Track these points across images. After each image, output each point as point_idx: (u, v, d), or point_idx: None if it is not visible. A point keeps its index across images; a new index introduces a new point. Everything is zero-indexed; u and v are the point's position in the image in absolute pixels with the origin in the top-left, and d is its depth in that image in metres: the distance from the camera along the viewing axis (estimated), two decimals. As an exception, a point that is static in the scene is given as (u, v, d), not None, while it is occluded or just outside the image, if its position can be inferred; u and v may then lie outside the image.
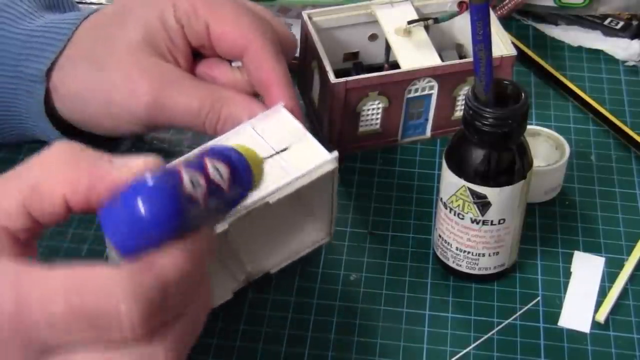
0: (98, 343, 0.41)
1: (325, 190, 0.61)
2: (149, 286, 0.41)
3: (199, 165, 0.43)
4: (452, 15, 0.73)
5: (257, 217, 0.63)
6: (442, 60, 0.72)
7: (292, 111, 0.61)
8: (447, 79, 0.72)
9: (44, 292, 0.40)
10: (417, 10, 0.74)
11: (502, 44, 0.73)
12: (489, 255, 0.63)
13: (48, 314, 0.40)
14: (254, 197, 0.56)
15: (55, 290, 0.40)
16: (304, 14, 0.73)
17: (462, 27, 0.76)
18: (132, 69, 0.63)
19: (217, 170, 0.44)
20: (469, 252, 0.63)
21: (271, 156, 0.58)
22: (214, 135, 0.62)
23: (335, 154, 0.59)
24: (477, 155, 0.59)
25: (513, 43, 0.73)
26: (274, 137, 0.59)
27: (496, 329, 0.61)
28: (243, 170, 0.45)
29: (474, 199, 0.60)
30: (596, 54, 0.85)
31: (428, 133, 0.75)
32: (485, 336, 0.61)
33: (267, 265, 0.62)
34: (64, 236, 0.66)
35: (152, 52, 0.64)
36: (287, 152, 0.59)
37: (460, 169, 0.60)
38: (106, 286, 0.40)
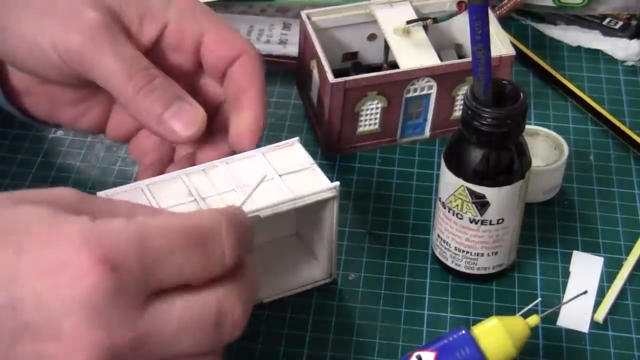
0: (201, 276, 0.46)
1: (325, 229, 0.61)
2: (241, 226, 0.48)
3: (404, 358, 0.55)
4: (451, 15, 0.73)
5: (256, 250, 0.64)
6: (441, 60, 0.72)
7: (256, 124, 0.61)
8: (446, 78, 0.72)
9: (164, 228, 0.45)
10: (416, 10, 0.74)
11: (501, 44, 0.73)
12: (488, 255, 0.63)
13: (169, 246, 0.45)
14: (246, 209, 0.57)
15: (172, 226, 0.46)
16: (303, 13, 0.73)
17: (461, 27, 0.76)
18: (81, 7, 0.59)
19: (419, 357, 0.54)
20: (467, 252, 0.63)
21: (272, 178, 0.59)
22: (134, 104, 0.59)
23: (337, 183, 0.59)
24: (476, 155, 0.59)
25: (512, 43, 0.73)
26: (280, 164, 0.60)
27: (495, 329, 0.61)
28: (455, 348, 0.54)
29: (472, 198, 0.60)
30: (595, 54, 0.85)
31: (427, 133, 0.75)
32: (484, 336, 0.61)
33: (260, 296, 0.62)
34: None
35: (109, 20, 0.60)
36: (290, 177, 0.59)
37: (458, 169, 0.60)
38: (213, 222, 0.47)
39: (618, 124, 0.76)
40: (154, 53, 0.62)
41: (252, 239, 0.50)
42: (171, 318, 0.45)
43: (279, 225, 0.64)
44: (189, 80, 0.63)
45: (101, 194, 0.58)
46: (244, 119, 0.61)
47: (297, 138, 0.62)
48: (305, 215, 0.63)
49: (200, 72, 0.65)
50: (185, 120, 0.59)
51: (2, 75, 0.65)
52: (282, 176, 0.59)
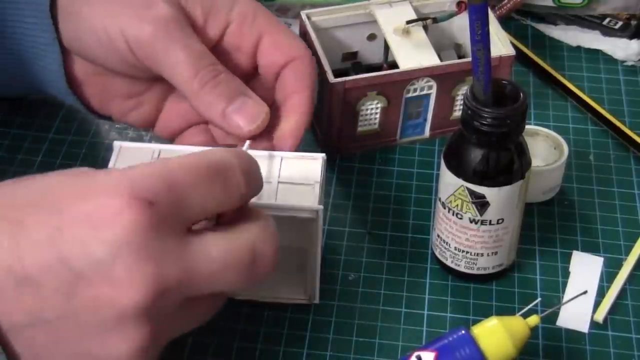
0: (224, 206, 0.49)
1: (309, 249, 0.60)
2: (249, 161, 0.51)
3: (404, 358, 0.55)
4: (451, 15, 0.73)
5: None
6: (441, 60, 0.72)
7: (298, 129, 0.63)
8: (445, 78, 0.72)
9: (184, 165, 0.48)
10: (416, 10, 0.74)
11: (501, 44, 0.73)
12: (488, 255, 0.63)
13: (192, 180, 0.47)
14: None
15: (191, 163, 0.48)
16: (303, 13, 0.73)
17: (461, 27, 0.76)
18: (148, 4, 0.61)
19: (419, 357, 0.54)
20: (467, 252, 0.63)
21: (270, 182, 0.59)
22: (199, 98, 0.61)
23: (320, 207, 0.58)
24: (476, 155, 0.59)
25: (512, 43, 0.73)
26: (288, 172, 0.60)
27: (495, 329, 0.61)
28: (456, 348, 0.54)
29: (472, 198, 0.60)
30: (595, 54, 0.85)
31: (427, 133, 0.75)
32: (484, 336, 0.61)
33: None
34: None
35: (179, 14, 0.62)
36: (285, 187, 0.59)
37: (458, 169, 0.60)
38: (226, 157, 0.50)
39: (618, 124, 0.76)
40: (215, 51, 0.63)
41: (261, 176, 0.52)
42: (211, 255, 0.47)
43: (300, 234, 0.63)
44: (243, 81, 0.64)
45: (117, 143, 0.60)
46: (287, 122, 0.63)
47: (323, 155, 0.61)
48: (306, 232, 0.61)
49: (256, 74, 0.66)
50: (249, 115, 0.61)
51: (66, 64, 0.66)
52: (280, 183, 0.59)
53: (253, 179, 0.51)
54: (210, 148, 0.52)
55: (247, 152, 0.53)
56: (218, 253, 0.48)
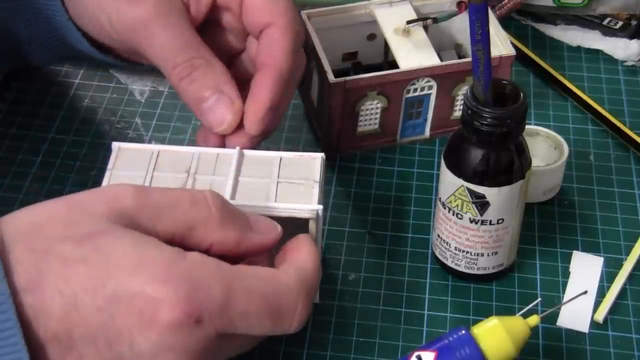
0: (265, 335, 0.52)
1: None
2: (313, 291, 0.53)
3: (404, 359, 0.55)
4: (451, 15, 0.73)
5: None
6: (441, 60, 0.72)
7: (261, 106, 0.61)
8: (446, 78, 0.72)
9: (248, 292, 0.50)
10: (416, 10, 0.74)
11: (501, 44, 0.73)
12: (488, 255, 0.63)
13: (248, 309, 0.50)
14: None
15: (255, 291, 0.50)
16: (303, 13, 0.73)
17: (461, 27, 0.76)
18: None
19: (419, 357, 0.54)
20: (467, 252, 0.63)
21: (269, 181, 0.59)
22: (178, 90, 0.62)
23: (320, 207, 0.57)
24: (476, 155, 0.59)
25: (512, 43, 0.73)
26: (287, 172, 0.59)
27: (495, 329, 0.61)
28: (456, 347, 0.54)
29: (472, 198, 0.60)
30: (595, 54, 0.85)
31: (427, 133, 0.75)
32: (484, 336, 0.61)
33: None
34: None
35: None
36: (285, 186, 0.58)
37: (459, 169, 0.60)
38: (292, 294, 0.51)
39: (618, 124, 0.76)
40: (211, 15, 0.63)
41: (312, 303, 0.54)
42: (234, 349, 0.52)
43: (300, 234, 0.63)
44: (240, 42, 0.64)
45: (116, 144, 0.60)
46: (249, 102, 0.61)
47: (322, 154, 0.61)
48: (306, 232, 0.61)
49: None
50: (218, 115, 0.61)
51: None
52: (280, 183, 0.59)
53: (307, 314, 0.52)
54: (278, 271, 0.52)
55: (317, 270, 0.53)
56: (237, 346, 0.52)
